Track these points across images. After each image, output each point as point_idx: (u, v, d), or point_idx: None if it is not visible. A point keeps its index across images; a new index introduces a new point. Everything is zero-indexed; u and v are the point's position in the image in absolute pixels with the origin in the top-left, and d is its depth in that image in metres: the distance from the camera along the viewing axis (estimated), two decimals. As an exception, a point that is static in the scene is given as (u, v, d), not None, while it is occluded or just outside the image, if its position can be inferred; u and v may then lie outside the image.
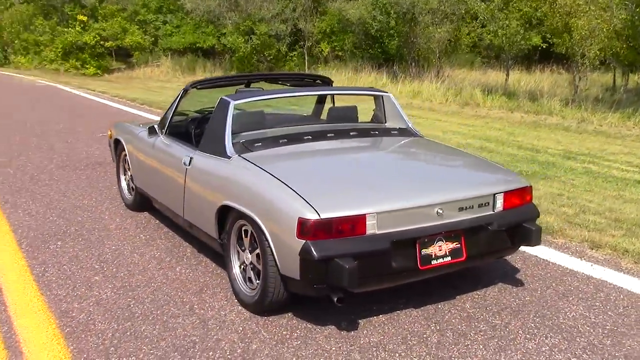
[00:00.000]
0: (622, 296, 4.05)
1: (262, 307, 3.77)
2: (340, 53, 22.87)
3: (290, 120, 5.27)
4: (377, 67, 20.53)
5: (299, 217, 3.32)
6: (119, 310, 3.94)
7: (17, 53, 29.72)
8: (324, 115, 5.54)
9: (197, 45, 26.11)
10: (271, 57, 23.09)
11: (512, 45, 15.65)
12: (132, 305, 4.00)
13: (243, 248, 3.93)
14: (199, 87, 5.02)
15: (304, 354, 3.38)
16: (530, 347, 3.40)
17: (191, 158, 4.48)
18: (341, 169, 4.06)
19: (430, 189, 3.72)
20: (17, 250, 5.01)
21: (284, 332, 3.62)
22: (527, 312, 3.83)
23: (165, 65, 26.17)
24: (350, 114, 5.12)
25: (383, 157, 4.51)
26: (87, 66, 26.02)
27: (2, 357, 3.39)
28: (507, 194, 3.85)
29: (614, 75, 17.92)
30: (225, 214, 4.00)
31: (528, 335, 3.53)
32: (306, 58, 22.97)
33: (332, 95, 5.70)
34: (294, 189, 3.50)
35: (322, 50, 22.86)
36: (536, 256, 4.74)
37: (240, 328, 3.68)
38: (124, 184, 6.12)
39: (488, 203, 3.78)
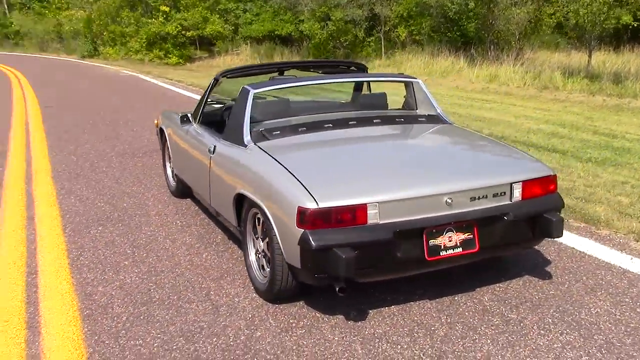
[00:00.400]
0: (659, 293, 3.81)
1: (272, 295, 3.80)
2: (417, 37, 22.48)
3: (318, 108, 5.24)
4: (454, 51, 20.06)
5: (299, 206, 3.32)
6: (138, 294, 4.08)
7: (106, 44, 31.17)
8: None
9: (276, 32, 26.42)
10: (347, 42, 23.02)
11: (595, 24, 14.85)
12: (151, 290, 4.13)
13: (257, 236, 3.98)
14: (229, 76, 5.08)
15: (305, 342, 3.39)
16: (542, 344, 3.26)
17: (215, 146, 4.56)
18: (352, 157, 4.01)
19: (440, 178, 3.61)
20: (60, 235, 5.28)
21: (290, 321, 3.64)
22: (548, 306, 3.66)
23: (244, 54, 26.67)
24: (379, 101, 5.04)
25: (399, 145, 4.41)
26: (169, 56, 26.93)
27: (22, 337, 3.59)
28: (527, 183, 3.68)
29: None
30: (241, 202, 4.06)
31: (542, 331, 3.38)
32: (383, 43, 22.74)
33: (369, 83, 5.62)
34: (298, 178, 3.50)
35: (399, 34, 22.55)
36: (573, 248, 4.51)
37: (250, 315, 3.73)
38: (168, 171, 6.30)
39: (504, 193, 3.63)
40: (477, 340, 3.32)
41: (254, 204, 3.80)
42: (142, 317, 3.76)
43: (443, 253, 3.48)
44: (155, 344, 3.44)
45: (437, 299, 3.81)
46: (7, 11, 49.39)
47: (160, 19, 27.06)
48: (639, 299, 3.72)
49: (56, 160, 8.24)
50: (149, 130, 10.42)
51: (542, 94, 14.66)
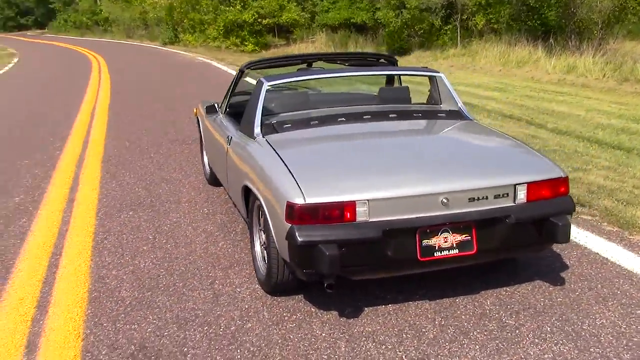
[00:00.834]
0: (679, 306, 3.58)
1: (270, 287, 3.84)
2: (495, 26, 21.83)
3: (338, 101, 5.20)
4: (532, 41, 19.36)
5: (287, 201, 3.33)
6: (147, 280, 4.22)
7: (186, 32, 31.99)
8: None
9: (351, 20, 26.32)
10: (422, 31, 22.65)
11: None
12: (160, 276, 4.26)
13: (260, 228, 4.02)
14: (253, 67, 5.14)
15: (292, 337, 3.41)
16: (532, 353, 3.14)
17: (231, 137, 4.63)
18: (353, 153, 3.97)
19: (436, 177, 3.52)
20: (92, 218, 5.52)
21: (284, 314, 3.67)
22: (551, 314, 3.52)
23: (319, 41, 26.71)
24: (401, 94, 4.96)
25: (405, 142, 4.31)
26: (245, 43, 27.34)
27: (30, 315, 3.80)
28: (533, 184, 3.53)
29: None
30: (249, 194, 4.11)
31: (537, 340, 3.26)
32: (459, 32, 22.24)
33: (399, 76, 5.53)
34: (293, 173, 3.51)
35: (477, 23, 21.98)
36: (597, 253, 4.30)
37: (247, 306, 3.78)
38: (205, 159, 6.45)
39: (507, 194, 3.50)
40: (465, 345, 3.24)
41: (256, 196, 3.85)
42: (144, 302, 3.89)
43: (437, 254, 3.40)
44: (149, 329, 3.55)
45: (437, 300, 3.74)
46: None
47: (237, 7, 27.50)
48: (652, 311, 3.53)
49: (110, 145, 8.58)
50: (206, 117, 10.64)
51: (621, 87, 13.94)
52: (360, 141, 4.26)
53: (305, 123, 4.37)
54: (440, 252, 3.41)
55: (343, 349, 3.27)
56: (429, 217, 3.38)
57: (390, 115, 4.54)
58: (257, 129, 4.23)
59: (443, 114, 4.64)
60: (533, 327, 3.38)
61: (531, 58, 18.37)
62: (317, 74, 4.80)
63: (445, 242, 3.40)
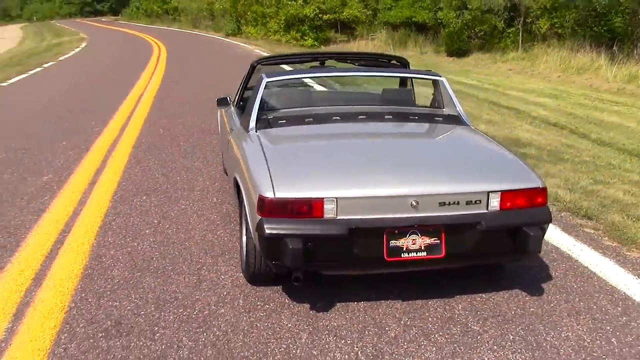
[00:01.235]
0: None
1: (249, 276, 3.99)
2: (559, 30, 21.35)
3: (342, 99, 5.29)
4: (596, 47, 18.86)
5: (259, 194, 3.48)
6: (140, 261, 4.44)
7: (248, 24, 32.58)
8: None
9: (413, 19, 26.22)
10: (482, 33, 22.36)
11: None
12: (153, 259, 4.47)
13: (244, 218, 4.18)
14: (263, 63, 5.29)
15: (259, 325, 3.55)
16: (486, 359, 3.18)
17: (232, 129, 4.81)
18: (335, 152, 4.07)
19: (408, 180, 3.59)
20: (107, 200, 5.80)
21: (257, 303, 3.81)
22: (519, 323, 3.53)
23: (379, 39, 26.73)
24: (404, 96, 5.02)
25: (389, 144, 4.35)
26: (305, 38, 27.64)
27: (25, 286, 4.07)
28: (507, 193, 3.55)
29: None
30: (238, 185, 4.28)
31: (495, 347, 3.29)
32: (521, 35, 21.85)
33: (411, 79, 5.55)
34: (270, 168, 3.66)
35: (540, 27, 21.54)
36: (586, 267, 4.25)
37: (225, 292, 3.95)
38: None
39: (480, 201, 3.53)
40: (422, 347, 3.30)
41: (240, 188, 4.02)
42: (131, 282, 4.11)
43: (405, 255, 3.47)
44: (128, 307, 3.76)
45: (409, 301, 3.80)
46: None
47: (299, 2, 27.82)
48: (625, 328, 3.48)
49: (146, 132, 8.93)
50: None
51: (683, 100, 13.49)
52: (345, 141, 4.35)
53: (299, 120, 4.50)
54: (408, 254, 3.47)
55: (303, 340, 3.39)
56: (397, 219, 3.45)
57: (385, 117, 4.61)
58: (252, 124, 4.39)
59: (440, 118, 4.68)
60: (496, 335, 3.41)
61: (592, 65, 17.93)
62: (319, 72, 4.91)
63: (414, 244, 3.47)
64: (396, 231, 3.44)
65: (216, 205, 5.60)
